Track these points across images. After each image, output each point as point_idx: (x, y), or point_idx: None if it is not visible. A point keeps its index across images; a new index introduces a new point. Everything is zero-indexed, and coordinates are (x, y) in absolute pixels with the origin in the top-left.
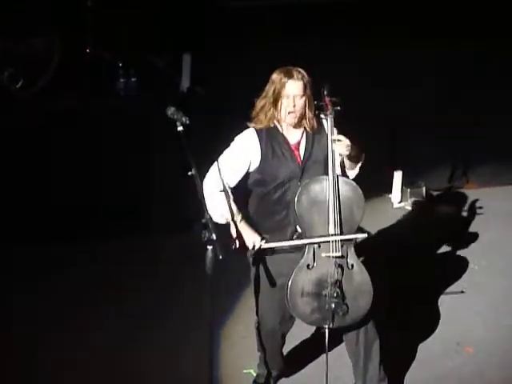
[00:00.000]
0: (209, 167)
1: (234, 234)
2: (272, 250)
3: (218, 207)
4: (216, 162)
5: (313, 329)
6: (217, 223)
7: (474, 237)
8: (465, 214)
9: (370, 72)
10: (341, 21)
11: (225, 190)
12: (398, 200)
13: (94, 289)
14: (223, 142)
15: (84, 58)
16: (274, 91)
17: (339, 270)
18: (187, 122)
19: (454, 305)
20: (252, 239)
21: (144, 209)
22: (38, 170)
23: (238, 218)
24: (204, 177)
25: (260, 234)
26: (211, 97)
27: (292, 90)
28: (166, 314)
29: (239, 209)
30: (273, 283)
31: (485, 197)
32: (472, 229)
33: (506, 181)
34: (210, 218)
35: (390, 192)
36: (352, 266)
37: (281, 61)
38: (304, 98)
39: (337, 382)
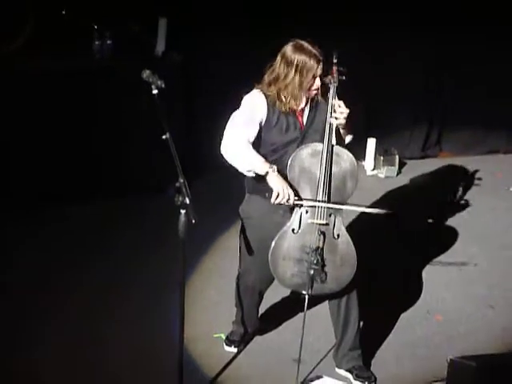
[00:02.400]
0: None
1: (275, 183)
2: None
3: (248, 159)
4: (231, 121)
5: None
6: (189, 187)
7: (446, 206)
8: (437, 182)
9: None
10: None
11: (249, 142)
12: (371, 168)
13: (66, 249)
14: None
15: (60, 20)
16: (300, 73)
17: (322, 237)
18: (162, 85)
19: (425, 274)
20: (288, 192)
21: (117, 171)
22: (6, 132)
23: (273, 168)
24: (181, 138)
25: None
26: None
27: (319, 72)
28: (138, 277)
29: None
30: (258, 245)
31: (457, 166)
32: (444, 198)
33: (479, 150)
34: (184, 182)
35: (364, 159)
36: (338, 235)
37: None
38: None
39: (311, 344)
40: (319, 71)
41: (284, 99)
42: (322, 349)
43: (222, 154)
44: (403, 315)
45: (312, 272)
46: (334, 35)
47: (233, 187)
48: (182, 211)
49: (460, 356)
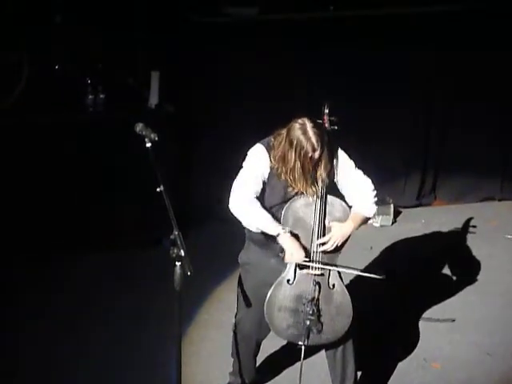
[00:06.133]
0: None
1: (288, 244)
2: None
3: (257, 218)
4: (237, 179)
5: None
6: (184, 239)
7: (442, 254)
8: (433, 231)
9: (341, 91)
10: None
11: (256, 200)
12: None
13: (60, 304)
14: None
15: (53, 75)
16: (299, 155)
17: (317, 287)
18: (156, 138)
19: (422, 321)
20: (298, 254)
21: (112, 224)
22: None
23: (286, 229)
24: (177, 191)
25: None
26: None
27: (316, 156)
28: (134, 330)
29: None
30: (255, 292)
31: (453, 214)
32: (440, 246)
33: (474, 198)
34: (179, 234)
35: None
36: (333, 285)
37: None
38: (321, 157)
39: None
40: (316, 156)
41: (292, 183)
42: None
43: (230, 211)
44: (400, 364)
45: (308, 323)
46: (324, 84)
47: (229, 238)
48: (178, 263)
49: None
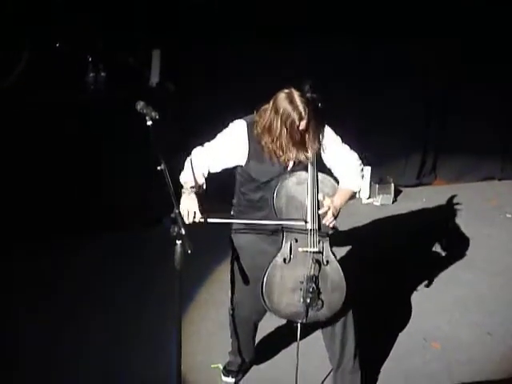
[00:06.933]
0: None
1: (184, 204)
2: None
3: (185, 172)
4: (208, 143)
5: None
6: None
7: (442, 233)
8: (433, 210)
9: (343, 67)
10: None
11: (199, 171)
12: (367, 196)
13: (61, 283)
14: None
15: (53, 53)
16: (285, 124)
17: (316, 265)
18: (156, 116)
19: (422, 301)
20: (191, 211)
21: (112, 203)
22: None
23: (189, 191)
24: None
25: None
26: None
27: (302, 126)
28: (134, 309)
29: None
30: (249, 275)
31: (453, 193)
32: (439, 225)
33: (474, 177)
34: (179, 213)
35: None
36: (327, 262)
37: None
38: (308, 126)
39: (308, 372)
40: (302, 126)
41: (275, 152)
42: (320, 376)
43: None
44: (400, 343)
45: (308, 300)
46: (325, 67)
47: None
48: (178, 242)
49: (458, 383)
